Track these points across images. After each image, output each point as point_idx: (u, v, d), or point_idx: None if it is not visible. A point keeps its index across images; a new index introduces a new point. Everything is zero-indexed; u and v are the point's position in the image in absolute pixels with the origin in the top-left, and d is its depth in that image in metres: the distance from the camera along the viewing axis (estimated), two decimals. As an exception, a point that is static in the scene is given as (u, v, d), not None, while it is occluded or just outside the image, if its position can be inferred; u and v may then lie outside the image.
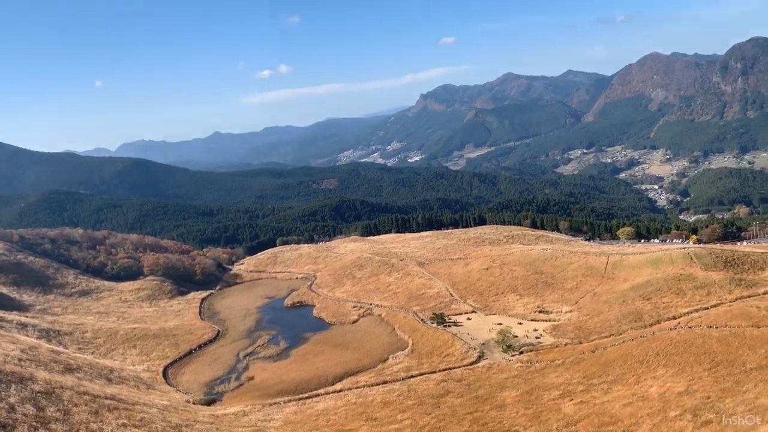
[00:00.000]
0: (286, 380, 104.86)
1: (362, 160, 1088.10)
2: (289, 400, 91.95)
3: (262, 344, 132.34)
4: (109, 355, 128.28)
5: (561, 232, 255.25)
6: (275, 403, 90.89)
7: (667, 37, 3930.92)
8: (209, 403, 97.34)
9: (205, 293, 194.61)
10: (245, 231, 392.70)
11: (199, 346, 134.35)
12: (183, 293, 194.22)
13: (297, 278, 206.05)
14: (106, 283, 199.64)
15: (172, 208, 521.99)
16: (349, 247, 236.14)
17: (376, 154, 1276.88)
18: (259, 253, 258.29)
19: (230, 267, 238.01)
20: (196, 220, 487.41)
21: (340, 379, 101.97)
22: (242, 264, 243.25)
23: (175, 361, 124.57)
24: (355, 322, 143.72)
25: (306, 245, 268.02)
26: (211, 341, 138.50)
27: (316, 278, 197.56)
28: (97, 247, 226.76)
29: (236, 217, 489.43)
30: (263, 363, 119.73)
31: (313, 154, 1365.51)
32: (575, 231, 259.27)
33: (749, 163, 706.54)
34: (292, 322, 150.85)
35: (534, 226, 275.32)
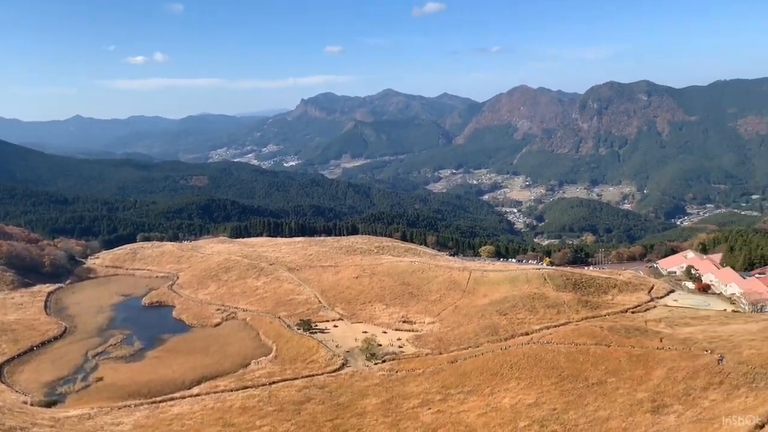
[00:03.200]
0: (139, 382, 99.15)
1: (236, 160, 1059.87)
2: (141, 404, 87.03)
3: (115, 344, 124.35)
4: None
5: (429, 246, 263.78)
6: (125, 406, 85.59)
7: (535, 72, 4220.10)
8: (50, 404, 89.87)
9: (53, 287, 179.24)
10: (103, 223, 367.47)
11: (43, 343, 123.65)
12: (27, 285, 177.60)
13: (157, 277, 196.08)
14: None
15: (20, 193, 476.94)
16: (216, 248, 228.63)
17: (251, 155, 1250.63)
18: (117, 248, 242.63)
19: (84, 261, 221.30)
20: (47, 207, 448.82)
21: (198, 383, 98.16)
22: (97, 258, 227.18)
23: (12, 358, 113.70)
24: (217, 325, 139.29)
25: (170, 243, 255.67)
26: (56, 338, 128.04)
27: (178, 278, 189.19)
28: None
29: (94, 207, 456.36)
30: (115, 363, 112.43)
31: (183, 148, 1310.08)
32: (441, 246, 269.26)
33: (598, 195, 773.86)
34: (149, 323, 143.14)
35: (404, 238, 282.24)
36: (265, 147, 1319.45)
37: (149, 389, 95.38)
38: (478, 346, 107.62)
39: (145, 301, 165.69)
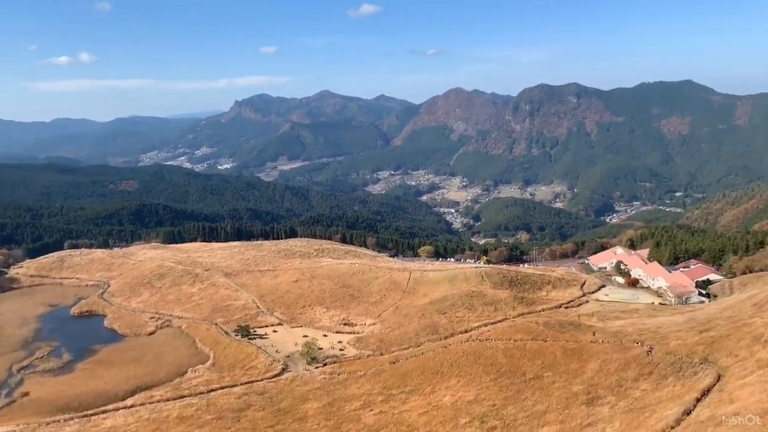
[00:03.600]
0: (69, 396, 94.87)
1: (168, 163, 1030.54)
2: (72, 418, 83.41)
3: (42, 356, 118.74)
4: None
5: (369, 248, 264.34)
6: (54, 422, 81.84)
7: (470, 74, 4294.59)
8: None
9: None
10: (26, 231, 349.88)
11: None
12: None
13: (87, 285, 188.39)
14: None
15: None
16: (149, 255, 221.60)
17: (184, 158, 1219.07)
18: (42, 257, 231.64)
19: (6, 270, 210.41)
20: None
21: (133, 394, 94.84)
22: (21, 267, 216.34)
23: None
24: (152, 333, 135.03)
25: (99, 250, 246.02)
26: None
27: (109, 286, 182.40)
28: None
29: (15, 214, 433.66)
30: (42, 377, 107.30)
31: (112, 152, 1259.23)
32: (381, 247, 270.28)
33: (531, 194, 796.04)
34: (79, 333, 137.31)
35: (344, 241, 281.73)
36: (198, 149, 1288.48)
37: (80, 402, 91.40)
38: (418, 346, 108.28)
39: (74, 310, 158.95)
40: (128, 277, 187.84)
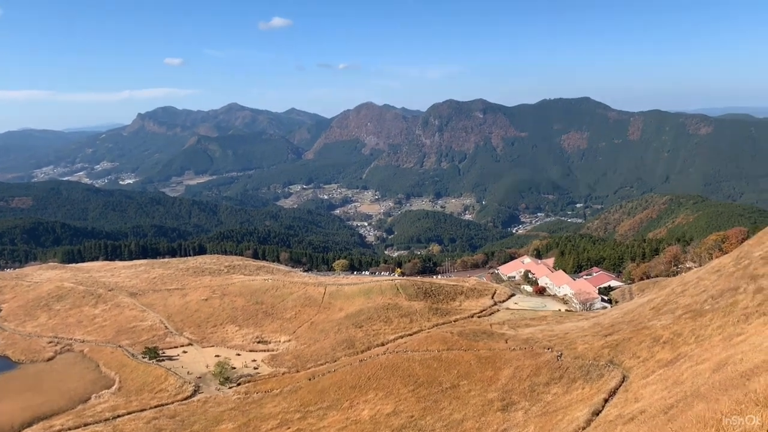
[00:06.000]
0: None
1: (65, 179, 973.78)
2: (-41, 457, 76.36)
3: None
4: None
5: (282, 263, 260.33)
6: (-62, 463, 74.62)
7: (380, 89, 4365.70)
8: None
9: None
10: None
11: None
12: None
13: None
14: None
15: None
16: (46, 275, 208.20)
17: (82, 173, 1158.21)
18: None
19: None
20: None
21: (30, 424, 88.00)
22: None
23: None
24: (51, 359, 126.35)
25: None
26: None
27: (1, 310, 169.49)
28: None
29: None
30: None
31: (1, 167, 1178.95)
32: (295, 262, 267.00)
33: (442, 207, 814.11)
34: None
35: (256, 256, 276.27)
36: (98, 164, 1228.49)
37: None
38: (335, 361, 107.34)
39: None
40: (22, 300, 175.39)
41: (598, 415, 56.80)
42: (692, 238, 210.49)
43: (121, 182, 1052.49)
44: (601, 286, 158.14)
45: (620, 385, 64.49)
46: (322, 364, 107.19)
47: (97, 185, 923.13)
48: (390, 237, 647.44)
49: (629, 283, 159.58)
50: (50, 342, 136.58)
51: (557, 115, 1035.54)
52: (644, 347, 74.61)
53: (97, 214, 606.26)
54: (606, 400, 60.48)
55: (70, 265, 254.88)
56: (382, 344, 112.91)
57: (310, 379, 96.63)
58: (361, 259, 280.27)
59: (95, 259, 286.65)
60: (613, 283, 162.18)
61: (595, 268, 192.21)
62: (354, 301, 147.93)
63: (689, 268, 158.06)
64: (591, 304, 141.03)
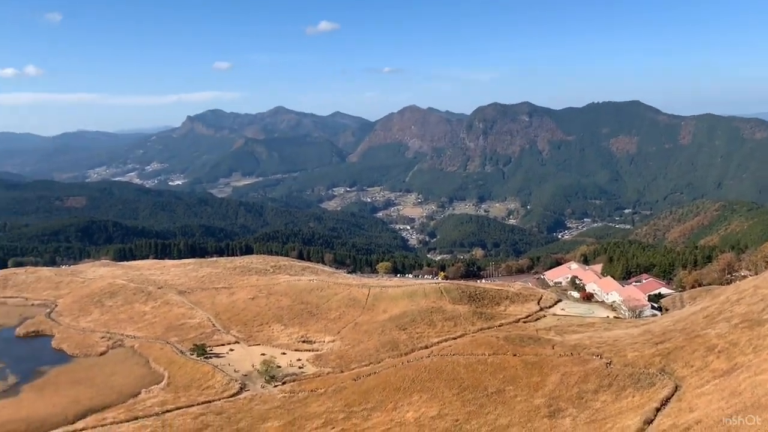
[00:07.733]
0: (15, 420, 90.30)
1: (117, 179, 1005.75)
2: (18, 444, 79.34)
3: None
4: None
5: (326, 264, 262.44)
6: (-1, 449, 77.72)
7: (425, 92, 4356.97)
8: None
9: None
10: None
11: None
12: None
13: (33, 305, 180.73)
14: None
15: None
16: (99, 272, 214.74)
17: (134, 173, 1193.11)
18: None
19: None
20: None
21: (83, 416, 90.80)
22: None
23: None
24: (103, 354, 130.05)
25: (46, 268, 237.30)
26: None
27: (57, 305, 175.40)
28: None
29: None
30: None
31: (58, 167, 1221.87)
32: (339, 264, 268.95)
33: (485, 211, 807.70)
34: (24, 355, 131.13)
35: (300, 257, 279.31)
36: (148, 165, 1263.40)
37: (27, 427, 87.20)
38: (379, 362, 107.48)
39: (20, 331, 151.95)
40: (77, 296, 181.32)
41: (650, 424, 55.46)
42: (747, 246, 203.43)
43: (170, 183, 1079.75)
44: (651, 293, 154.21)
45: (673, 395, 62.85)
46: (366, 365, 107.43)
47: (147, 185, 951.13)
48: (432, 240, 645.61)
49: (680, 291, 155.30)
50: (103, 337, 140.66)
51: (605, 119, 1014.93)
52: (698, 356, 72.48)
53: (147, 214, 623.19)
54: (658, 410, 59.04)
55: (122, 262, 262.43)
56: (426, 347, 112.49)
57: (354, 380, 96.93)
58: (404, 261, 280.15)
59: (145, 257, 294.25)
60: (664, 290, 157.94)
61: (644, 275, 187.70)
62: (398, 303, 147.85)
63: (744, 277, 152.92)
64: (640, 312, 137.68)
